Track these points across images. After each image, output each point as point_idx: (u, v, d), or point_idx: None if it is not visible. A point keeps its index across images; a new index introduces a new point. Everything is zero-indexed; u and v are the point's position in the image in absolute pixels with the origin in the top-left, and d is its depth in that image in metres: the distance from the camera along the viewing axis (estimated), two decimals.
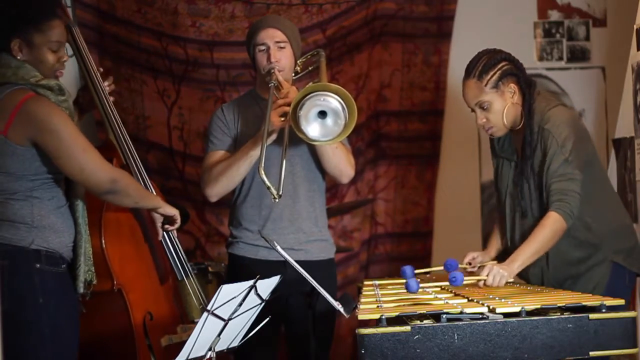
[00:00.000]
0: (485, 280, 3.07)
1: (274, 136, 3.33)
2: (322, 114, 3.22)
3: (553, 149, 3.16)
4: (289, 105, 3.26)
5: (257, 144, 3.34)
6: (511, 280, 3.14)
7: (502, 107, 3.24)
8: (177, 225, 3.40)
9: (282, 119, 3.28)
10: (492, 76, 3.23)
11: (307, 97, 3.20)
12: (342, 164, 3.51)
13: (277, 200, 3.12)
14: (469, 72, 3.28)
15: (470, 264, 3.42)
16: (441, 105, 5.07)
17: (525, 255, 3.12)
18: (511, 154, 3.38)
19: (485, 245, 3.73)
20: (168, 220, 3.37)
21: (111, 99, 3.52)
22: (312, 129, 3.22)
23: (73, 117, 3.11)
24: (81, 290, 3.13)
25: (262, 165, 3.08)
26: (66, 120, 2.97)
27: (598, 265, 3.25)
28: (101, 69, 3.54)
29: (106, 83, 3.51)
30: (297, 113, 3.21)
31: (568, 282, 3.28)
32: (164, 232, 3.46)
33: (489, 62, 3.24)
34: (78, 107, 3.40)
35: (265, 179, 3.06)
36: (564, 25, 5.10)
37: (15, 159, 2.95)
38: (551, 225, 3.11)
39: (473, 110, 3.30)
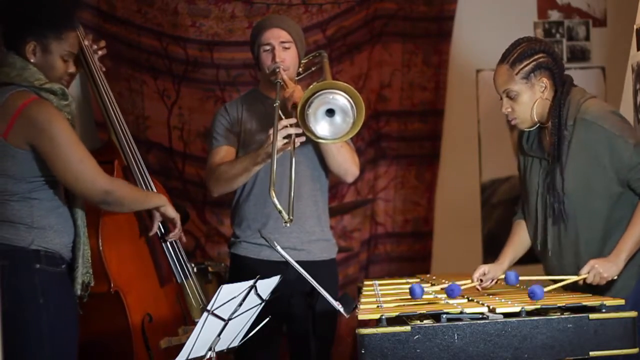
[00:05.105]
0: (585, 278, 2.93)
1: (279, 154, 3.29)
2: (330, 112, 3.21)
3: (613, 141, 3.00)
4: (293, 125, 3.24)
5: (256, 161, 3.33)
6: (616, 277, 2.97)
7: (529, 99, 3.08)
8: (176, 232, 3.42)
9: (286, 141, 3.25)
10: (525, 66, 3.06)
11: (316, 95, 3.19)
12: (347, 162, 3.50)
13: (288, 225, 3.10)
14: (503, 57, 3.12)
15: (481, 280, 3.11)
16: (441, 105, 5.07)
17: (628, 245, 2.98)
18: (541, 153, 3.17)
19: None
20: (168, 221, 3.37)
21: (102, 68, 3.52)
22: (321, 127, 3.22)
23: (75, 122, 3.10)
24: (78, 292, 3.12)
25: (273, 188, 3.06)
26: (66, 127, 2.96)
27: (622, 273, 3.01)
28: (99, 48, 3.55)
29: (98, 49, 3.51)
30: (305, 111, 3.20)
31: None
32: (167, 241, 3.49)
33: (525, 51, 3.08)
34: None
35: (277, 202, 3.05)
36: (564, 25, 5.10)
37: (15, 161, 2.95)
38: None
39: (501, 97, 3.14)
